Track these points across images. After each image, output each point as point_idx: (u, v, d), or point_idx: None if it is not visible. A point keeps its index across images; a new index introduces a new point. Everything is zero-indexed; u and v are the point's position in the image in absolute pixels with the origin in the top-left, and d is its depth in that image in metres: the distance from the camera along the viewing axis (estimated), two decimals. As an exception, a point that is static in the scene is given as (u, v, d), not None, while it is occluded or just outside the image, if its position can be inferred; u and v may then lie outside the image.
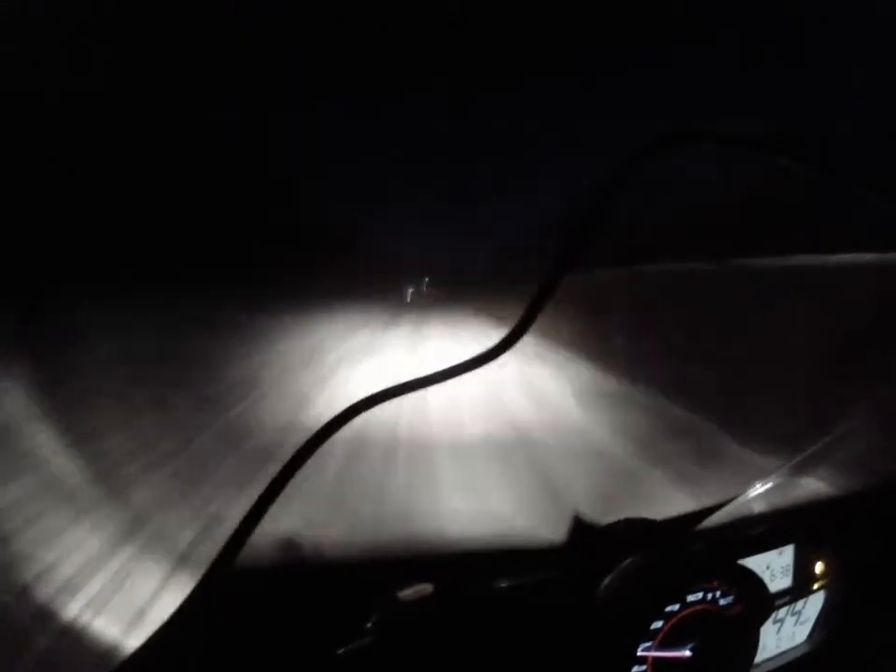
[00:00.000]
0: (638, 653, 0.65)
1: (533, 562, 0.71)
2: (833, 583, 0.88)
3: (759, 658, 0.77)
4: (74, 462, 1.03)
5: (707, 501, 0.77)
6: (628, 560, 0.69)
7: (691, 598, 0.68)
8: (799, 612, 0.86)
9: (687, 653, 0.67)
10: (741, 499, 0.77)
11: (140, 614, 0.77)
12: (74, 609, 0.76)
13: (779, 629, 0.84)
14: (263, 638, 0.58)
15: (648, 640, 0.66)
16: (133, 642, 0.61)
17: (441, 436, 1.76)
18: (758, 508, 0.83)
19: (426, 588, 0.61)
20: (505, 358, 0.54)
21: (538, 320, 0.54)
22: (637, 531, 0.76)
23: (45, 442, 1.02)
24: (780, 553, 0.82)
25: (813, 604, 0.87)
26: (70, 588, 0.81)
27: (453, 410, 2.03)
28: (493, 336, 0.54)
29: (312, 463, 0.54)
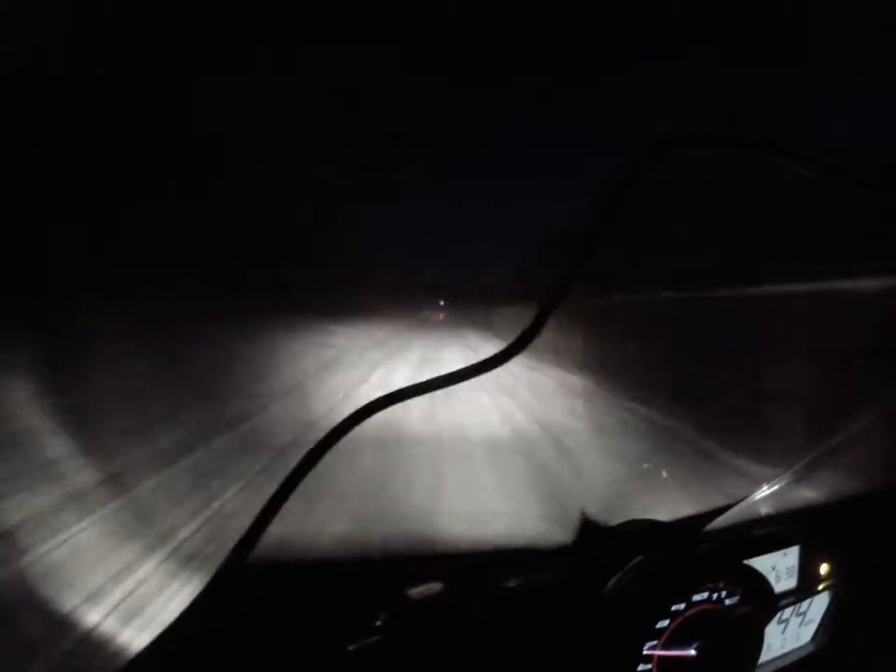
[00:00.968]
0: (644, 652, 0.66)
1: (540, 561, 0.71)
2: (837, 584, 0.88)
3: (764, 658, 0.78)
4: (84, 463, 1.03)
5: (714, 502, 0.77)
6: (635, 560, 0.69)
7: (696, 598, 0.68)
8: (804, 613, 0.86)
9: (692, 653, 0.67)
10: (747, 501, 0.78)
11: (150, 613, 0.78)
12: (83, 610, 0.77)
13: (784, 629, 0.84)
14: (274, 636, 0.58)
15: (653, 639, 0.66)
16: (142, 641, 0.62)
17: (452, 439, 1.76)
18: (764, 509, 0.83)
19: (434, 587, 0.62)
20: (511, 364, 0.55)
21: (545, 329, 0.54)
22: (643, 531, 0.76)
23: (56, 444, 1.02)
24: (786, 554, 0.82)
25: (818, 605, 0.88)
26: (80, 589, 0.82)
27: (461, 413, 2.03)
28: (500, 343, 0.55)
29: (322, 464, 0.55)
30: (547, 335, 0.55)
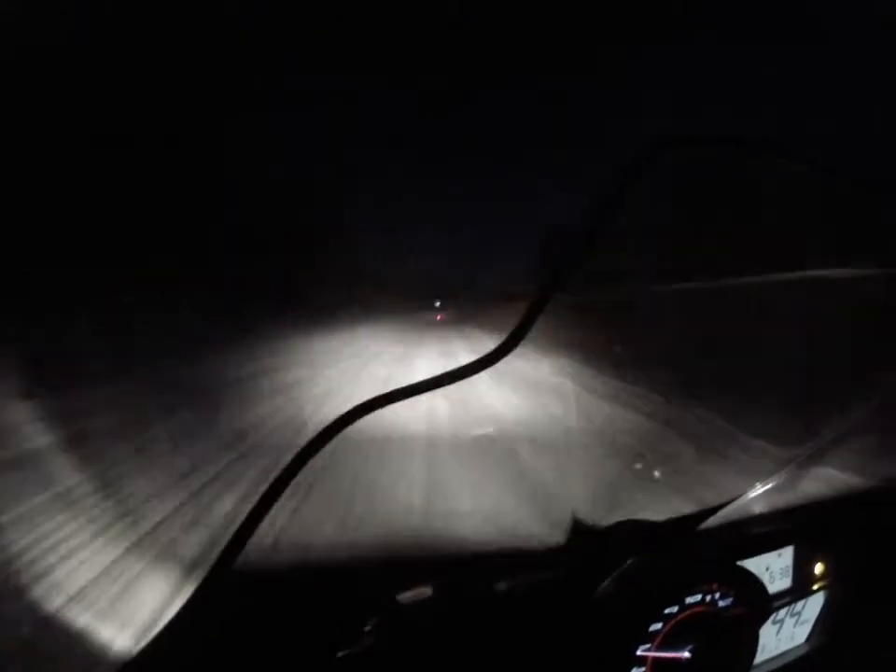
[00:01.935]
0: (638, 654, 0.65)
1: (532, 563, 0.71)
2: (832, 584, 0.88)
3: (759, 659, 0.78)
4: (75, 466, 1.03)
5: (707, 503, 0.77)
6: (628, 562, 0.69)
7: (690, 600, 0.68)
8: (798, 613, 0.86)
9: (686, 655, 0.67)
10: (740, 501, 0.77)
11: (142, 616, 0.77)
12: (76, 612, 0.76)
13: (779, 630, 0.84)
14: (263, 640, 0.58)
15: (647, 642, 0.66)
16: (135, 644, 0.62)
17: (442, 438, 1.77)
18: (757, 509, 0.83)
19: (424, 590, 0.61)
20: (506, 362, 0.55)
21: (540, 324, 0.54)
22: (636, 533, 0.76)
23: (49, 448, 1.02)
24: (780, 555, 0.82)
25: (812, 605, 0.87)
26: (72, 593, 0.81)
27: (453, 412, 2.03)
28: (493, 342, 0.55)
29: (313, 465, 0.54)
30: (541, 332, 0.54)
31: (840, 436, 0.83)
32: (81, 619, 0.74)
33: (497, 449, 1.74)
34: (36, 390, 1.17)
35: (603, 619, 0.65)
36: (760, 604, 0.74)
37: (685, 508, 0.77)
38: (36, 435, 1.13)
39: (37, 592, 0.80)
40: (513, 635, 0.62)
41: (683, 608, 0.68)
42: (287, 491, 0.54)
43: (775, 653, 0.84)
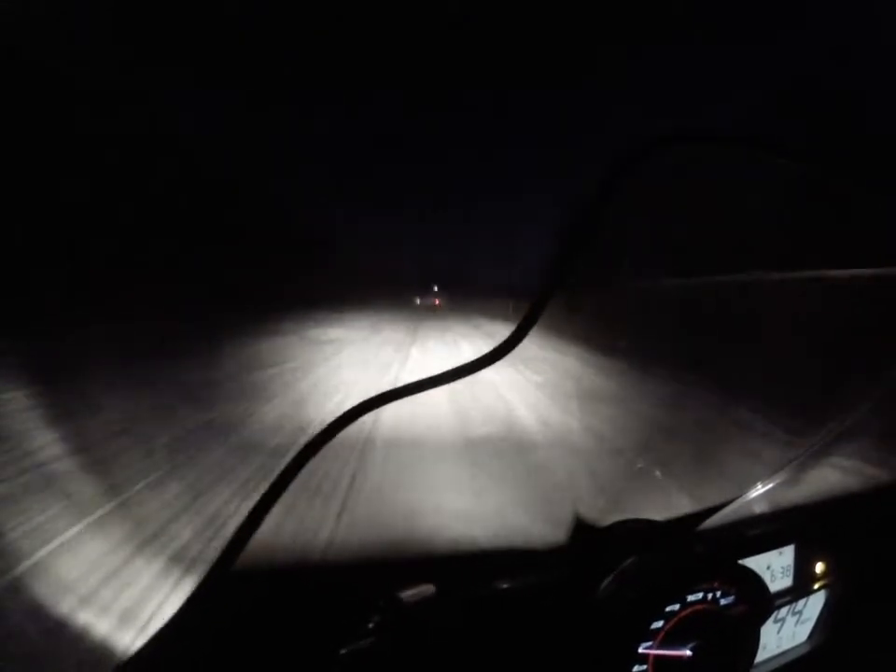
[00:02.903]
0: (639, 652, 0.65)
1: (534, 562, 0.71)
2: (833, 583, 0.88)
3: (760, 657, 0.77)
4: (77, 466, 1.03)
5: (708, 502, 0.77)
6: (629, 560, 0.69)
7: (691, 598, 0.68)
8: (800, 612, 0.86)
9: (688, 653, 0.67)
10: (742, 500, 0.77)
11: (142, 615, 0.77)
12: (77, 611, 0.76)
13: (780, 628, 0.84)
14: (265, 639, 0.58)
15: (649, 640, 0.66)
16: (135, 644, 0.62)
17: (443, 437, 1.76)
18: (758, 508, 0.83)
19: (427, 589, 0.61)
20: (506, 361, 0.54)
21: (541, 325, 0.54)
22: (637, 531, 0.76)
23: (49, 445, 1.02)
24: (781, 553, 0.82)
25: (814, 603, 0.87)
26: (73, 590, 0.81)
27: (454, 411, 2.03)
28: (494, 341, 0.55)
29: (314, 464, 0.54)
30: (544, 328, 0.54)
31: (841, 435, 0.83)
32: (82, 617, 0.75)
33: (497, 449, 1.74)
34: (36, 389, 1.16)
35: (605, 616, 0.65)
36: (761, 602, 0.74)
37: (686, 507, 0.77)
38: (37, 435, 1.13)
39: (39, 591, 0.80)
40: (516, 633, 0.62)
41: (685, 605, 0.68)
42: (288, 490, 0.54)
43: (776, 652, 0.84)
